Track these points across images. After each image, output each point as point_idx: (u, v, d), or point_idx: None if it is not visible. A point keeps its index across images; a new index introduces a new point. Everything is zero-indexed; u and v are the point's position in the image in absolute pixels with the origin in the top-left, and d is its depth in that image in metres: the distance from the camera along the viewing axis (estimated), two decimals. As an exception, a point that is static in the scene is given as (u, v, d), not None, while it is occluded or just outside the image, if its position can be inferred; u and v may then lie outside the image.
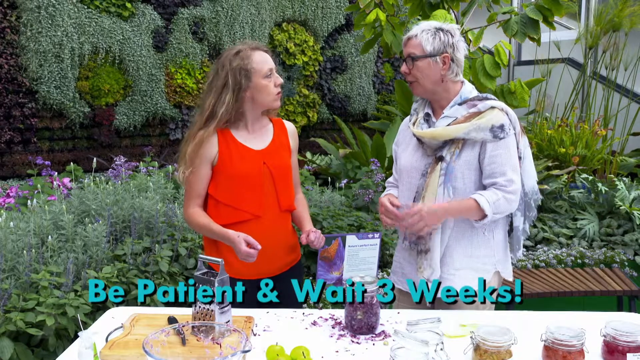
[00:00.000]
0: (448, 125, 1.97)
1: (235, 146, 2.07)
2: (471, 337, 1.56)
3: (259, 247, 1.95)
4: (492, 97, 2.00)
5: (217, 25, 6.66)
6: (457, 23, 4.81)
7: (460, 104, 2.00)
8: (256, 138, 2.12)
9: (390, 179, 2.26)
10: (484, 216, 1.91)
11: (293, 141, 2.23)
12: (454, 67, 1.99)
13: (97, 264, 2.80)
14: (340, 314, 1.92)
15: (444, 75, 1.99)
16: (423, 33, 1.97)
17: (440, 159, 1.97)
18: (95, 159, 4.17)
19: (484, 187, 1.98)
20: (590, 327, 1.67)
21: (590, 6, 6.97)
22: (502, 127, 1.93)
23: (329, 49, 7.72)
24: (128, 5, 6.05)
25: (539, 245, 4.38)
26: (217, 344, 1.57)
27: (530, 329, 1.75)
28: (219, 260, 1.76)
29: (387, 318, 1.91)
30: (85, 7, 5.80)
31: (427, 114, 2.05)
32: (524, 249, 4.32)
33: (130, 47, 6.10)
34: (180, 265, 3.01)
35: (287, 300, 2.17)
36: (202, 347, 1.60)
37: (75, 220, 3.11)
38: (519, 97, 4.72)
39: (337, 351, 1.66)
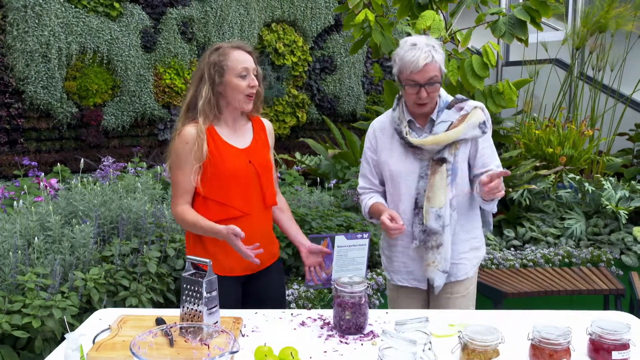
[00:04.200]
0: (447, 130, 2.09)
1: (222, 144, 2.07)
2: (459, 337, 1.56)
3: (243, 235, 1.92)
4: (463, 97, 2.17)
5: (205, 25, 6.64)
6: (445, 24, 4.83)
7: (448, 108, 2.13)
8: (238, 137, 2.13)
9: (365, 185, 2.31)
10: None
11: (271, 139, 2.25)
12: None
13: (84, 265, 2.78)
14: (328, 314, 1.92)
15: None
16: (434, 54, 2.05)
17: (443, 160, 2.10)
18: (82, 159, 4.15)
19: (472, 179, 2.18)
20: (576, 326, 1.69)
21: (577, 7, 7.03)
22: (484, 122, 2.12)
23: (318, 49, 7.73)
24: (116, 5, 6.02)
25: (526, 245, 4.41)
26: (205, 345, 1.56)
27: (517, 328, 1.76)
28: (207, 260, 1.76)
29: (376, 318, 1.92)
30: (73, 6, 5.76)
31: (410, 121, 2.15)
32: (513, 248, 4.35)
33: (118, 47, 6.06)
34: (169, 266, 2.99)
35: (272, 294, 2.20)
36: (190, 349, 1.59)
37: (62, 221, 3.08)
38: (507, 97, 4.75)
39: (325, 351, 1.66)
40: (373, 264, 4.09)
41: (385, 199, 2.27)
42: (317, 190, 4.65)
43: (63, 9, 5.67)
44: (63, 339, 1.58)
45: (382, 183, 2.27)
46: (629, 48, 6.09)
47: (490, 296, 3.53)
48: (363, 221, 4.18)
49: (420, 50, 2.02)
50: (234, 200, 2.06)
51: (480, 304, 3.72)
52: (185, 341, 1.62)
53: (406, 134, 2.13)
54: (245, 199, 2.09)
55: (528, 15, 4.50)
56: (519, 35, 4.57)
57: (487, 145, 2.17)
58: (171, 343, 1.62)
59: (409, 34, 5.54)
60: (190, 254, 2.14)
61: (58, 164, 4.69)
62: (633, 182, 4.82)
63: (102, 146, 6.25)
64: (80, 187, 3.35)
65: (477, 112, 2.11)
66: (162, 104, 6.51)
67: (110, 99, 6.18)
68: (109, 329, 1.83)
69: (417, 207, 2.14)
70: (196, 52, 6.67)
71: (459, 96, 2.17)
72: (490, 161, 2.16)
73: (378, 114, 6.99)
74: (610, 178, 4.96)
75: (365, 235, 2.43)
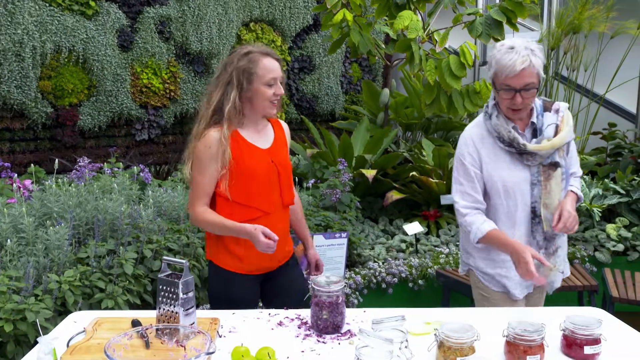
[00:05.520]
0: (555, 132, 2.07)
1: (246, 145, 2.10)
2: (435, 335, 1.58)
3: (276, 237, 1.96)
4: (549, 99, 2.16)
5: (183, 24, 6.58)
6: (423, 24, 4.87)
7: (545, 111, 2.11)
8: (261, 137, 2.17)
9: (469, 203, 2.11)
10: (579, 200, 2.16)
11: (289, 139, 2.31)
12: None
13: (58, 268, 2.73)
14: (306, 314, 1.92)
15: None
16: (533, 59, 1.96)
17: (557, 165, 2.07)
18: (57, 160, 4.08)
19: None
20: (550, 322, 1.71)
21: (552, 9, 7.13)
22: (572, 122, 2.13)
23: (296, 49, 7.72)
24: (92, 3, 5.94)
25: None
26: (182, 346, 1.55)
27: (493, 325, 1.78)
28: (183, 261, 1.74)
29: (353, 317, 1.92)
30: (47, 4, 5.67)
31: (514, 127, 2.07)
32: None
33: (94, 47, 5.98)
34: (146, 268, 2.96)
35: (292, 289, 2.24)
36: (166, 350, 1.58)
37: (36, 223, 3.03)
38: (483, 97, 4.81)
39: (302, 351, 1.66)
40: (351, 263, 4.10)
41: (487, 216, 2.13)
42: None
43: (37, 7, 5.58)
44: (36, 342, 1.55)
45: (484, 198, 2.13)
46: (602, 49, 6.20)
47: (467, 294, 3.56)
48: (341, 221, 4.19)
49: (517, 54, 1.94)
50: (255, 200, 2.10)
51: (458, 302, 3.76)
52: (162, 343, 1.60)
53: (522, 139, 2.04)
54: (267, 198, 2.12)
55: (504, 15, 4.55)
56: (496, 35, 4.63)
57: (573, 147, 2.17)
58: (147, 345, 1.60)
59: (386, 34, 5.57)
60: (211, 254, 2.18)
61: (32, 164, 4.62)
62: (606, 180, 4.90)
63: (78, 146, 6.16)
64: (54, 188, 3.29)
65: (569, 113, 2.12)
66: (139, 104, 6.44)
67: (87, 98, 6.09)
68: (83, 331, 1.80)
69: (536, 216, 2.07)
70: (174, 51, 6.61)
71: (544, 98, 2.16)
72: (574, 163, 2.19)
73: (357, 113, 7.02)
74: (585, 176, 5.04)
75: (344, 235, 2.44)
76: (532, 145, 2.04)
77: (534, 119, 2.08)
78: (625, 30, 5.89)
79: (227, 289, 2.13)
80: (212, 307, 2.17)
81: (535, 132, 2.09)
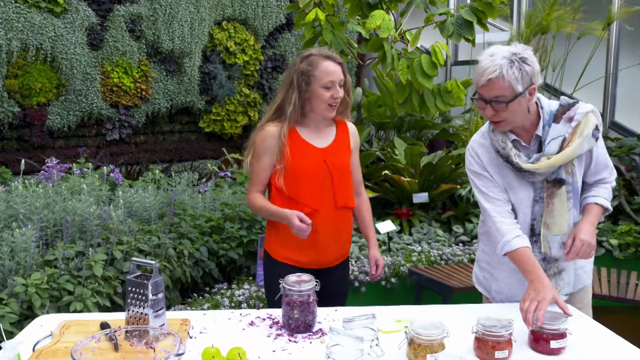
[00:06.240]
0: (561, 146, 1.88)
1: (300, 143, 2.18)
2: (405, 332, 1.59)
3: (309, 221, 2.04)
4: (570, 100, 1.93)
5: (154, 23, 6.50)
6: (395, 23, 4.90)
7: (555, 121, 1.90)
8: (320, 137, 2.23)
9: (498, 208, 1.94)
10: (605, 212, 1.97)
11: (354, 141, 2.34)
12: (535, 93, 1.86)
13: (25, 270, 2.68)
14: (278, 313, 1.92)
15: (529, 104, 1.86)
16: (508, 70, 1.76)
17: (561, 182, 1.90)
18: (23, 160, 4.00)
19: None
20: (519, 318, 1.74)
21: (521, 9, 7.24)
22: (597, 127, 1.89)
23: (269, 48, 7.69)
24: (60, 0, 5.82)
25: (474, 240, 4.52)
26: (151, 348, 1.54)
27: (463, 321, 1.80)
28: (152, 262, 1.72)
29: (325, 316, 1.92)
30: (13, 1, 5.54)
31: (515, 141, 1.92)
32: (461, 244, 4.45)
33: (63, 45, 5.87)
34: (116, 269, 2.92)
35: (335, 290, 2.28)
36: (135, 352, 1.56)
37: (2, 225, 2.96)
38: (455, 96, 4.86)
39: (274, 351, 1.66)
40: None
41: None
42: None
43: (2, 3, 5.45)
44: (0, 347, 1.51)
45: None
46: (569, 49, 6.32)
47: (439, 291, 3.60)
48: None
49: (492, 62, 1.76)
50: (303, 196, 2.17)
51: (430, 299, 3.79)
52: (131, 345, 1.58)
53: (515, 157, 1.88)
54: (316, 196, 2.18)
55: (475, 16, 4.61)
56: (466, 35, 4.68)
57: (600, 151, 1.95)
58: (116, 347, 1.58)
59: (359, 33, 5.59)
60: (267, 243, 2.28)
61: (-2, 165, 4.52)
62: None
63: (46, 147, 6.04)
64: (21, 189, 3.22)
65: (590, 118, 1.87)
66: (110, 103, 6.35)
67: (55, 97, 5.98)
68: (50, 335, 1.77)
69: (535, 235, 1.94)
70: (145, 50, 6.52)
71: (564, 100, 1.93)
72: (603, 168, 1.97)
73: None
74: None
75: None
76: (526, 165, 1.87)
77: (539, 131, 1.90)
78: (591, 31, 6.02)
79: (276, 279, 2.16)
80: (267, 298, 2.29)
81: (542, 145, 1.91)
